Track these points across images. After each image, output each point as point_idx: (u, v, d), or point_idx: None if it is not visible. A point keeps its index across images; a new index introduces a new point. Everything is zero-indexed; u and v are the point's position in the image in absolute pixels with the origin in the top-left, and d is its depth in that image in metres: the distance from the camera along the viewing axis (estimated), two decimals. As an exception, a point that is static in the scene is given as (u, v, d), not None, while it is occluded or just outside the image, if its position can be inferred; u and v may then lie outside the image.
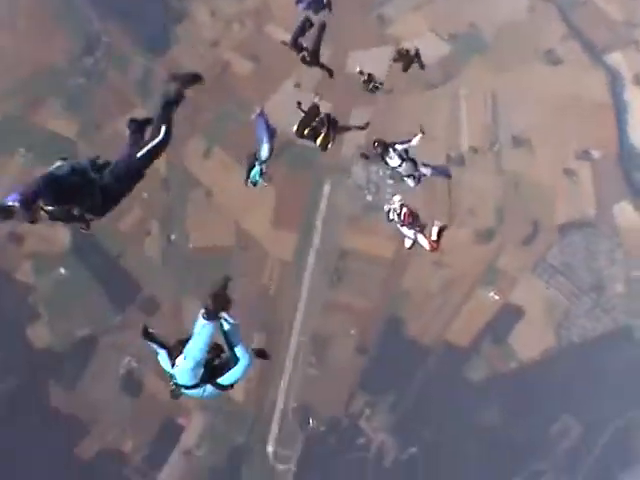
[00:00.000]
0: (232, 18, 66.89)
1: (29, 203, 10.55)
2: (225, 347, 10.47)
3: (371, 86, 28.20)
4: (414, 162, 24.22)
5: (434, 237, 25.27)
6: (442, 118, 66.82)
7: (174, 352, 10.43)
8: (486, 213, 65.02)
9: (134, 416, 61.78)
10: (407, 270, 63.12)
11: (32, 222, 11.16)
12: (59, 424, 60.65)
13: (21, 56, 65.84)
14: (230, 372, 10.32)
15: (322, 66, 25.42)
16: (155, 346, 10.86)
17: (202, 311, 10.20)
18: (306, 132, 22.51)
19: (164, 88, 12.14)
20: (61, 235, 62.93)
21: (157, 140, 12.49)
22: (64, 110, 63.97)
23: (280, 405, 62.35)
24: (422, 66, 30.52)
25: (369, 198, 64.15)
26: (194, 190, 63.76)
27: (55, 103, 64.22)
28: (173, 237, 63.06)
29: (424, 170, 24.82)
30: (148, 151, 11.98)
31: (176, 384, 10.38)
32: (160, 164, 63.96)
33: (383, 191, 64.32)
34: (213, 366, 10.32)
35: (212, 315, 10.15)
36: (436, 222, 25.84)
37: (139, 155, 11.95)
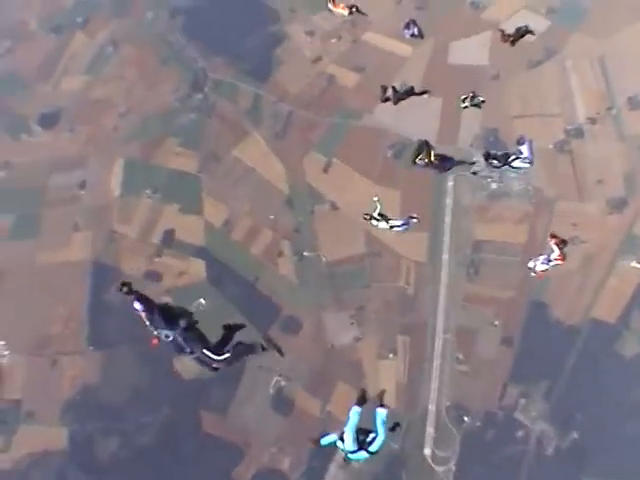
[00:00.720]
0: (329, 33, 79.45)
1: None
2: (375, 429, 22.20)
3: (476, 101, 41.45)
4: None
5: (557, 254, 38.05)
6: (553, 94, 75.30)
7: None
8: (615, 181, 72.64)
9: (288, 434, 71.84)
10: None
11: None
12: (215, 450, 71.70)
13: (133, 102, 78.19)
14: (374, 444, 21.95)
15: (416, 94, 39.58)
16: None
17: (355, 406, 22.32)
18: (417, 161, 36.68)
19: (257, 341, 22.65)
20: (196, 268, 75.02)
21: (219, 359, 21.54)
22: (182, 147, 77.40)
23: (433, 406, 71.02)
24: (533, 32, 43.37)
25: (494, 186, 73.50)
26: (319, 205, 75.08)
27: (172, 142, 77.55)
28: (306, 254, 73.97)
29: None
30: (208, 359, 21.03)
31: (347, 455, 21.96)
32: (282, 184, 78.71)
33: (506, 176, 76.65)
34: (365, 440, 21.86)
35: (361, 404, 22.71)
36: (550, 241, 38.55)
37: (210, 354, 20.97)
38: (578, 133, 75.52)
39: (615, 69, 77.17)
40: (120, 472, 73.19)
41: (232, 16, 79.48)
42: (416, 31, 42.92)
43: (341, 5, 42.15)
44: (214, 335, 61.42)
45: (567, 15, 79.80)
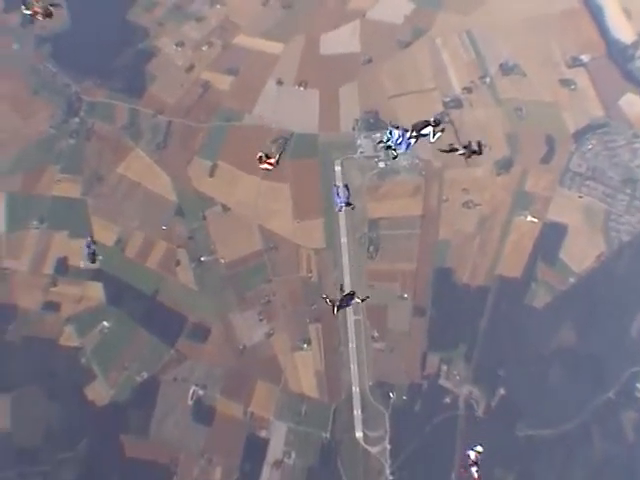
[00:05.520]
0: (199, 42, 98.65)
1: None
2: None
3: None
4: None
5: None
6: (427, 70, 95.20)
7: None
8: (499, 144, 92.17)
9: (215, 443, 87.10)
10: (440, 220, 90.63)
11: None
12: (142, 473, 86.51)
13: (8, 135, 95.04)
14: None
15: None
16: None
17: None
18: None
19: None
20: (94, 291, 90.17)
21: None
22: (64, 174, 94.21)
23: (356, 388, 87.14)
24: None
25: (381, 165, 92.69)
26: (210, 209, 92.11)
27: (53, 169, 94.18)
28: (203, 259, 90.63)
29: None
30: None
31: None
32: (170, 194, 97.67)
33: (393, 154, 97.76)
34: None
35: None
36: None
37: None
38: (456, 103, 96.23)
39: (483, 40, 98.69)
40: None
41: (100, 37, 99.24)
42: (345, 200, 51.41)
43: (267, 160, 47.11)
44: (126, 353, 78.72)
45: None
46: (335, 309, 45.63)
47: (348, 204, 48.76)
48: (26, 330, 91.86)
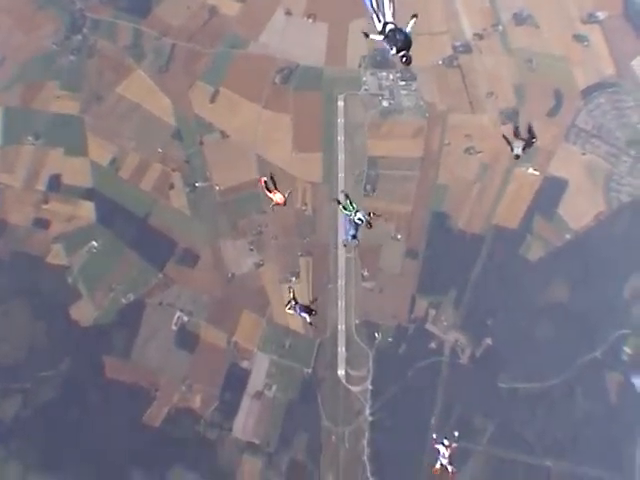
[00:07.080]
0: None
1: None
2: None
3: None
4: None
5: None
6: (439, 13, 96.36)
7: None
8: (505, 93, 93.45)
9: (196, 370, 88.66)
10: (440, 164, 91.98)
11: None
12: (122, 396, 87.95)
13: (10, 49, 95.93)
14: None
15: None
16: None
17: None
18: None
19: None
20: (86, 210, 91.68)
21: None
22: (63, 90, 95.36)
23: (342, 325, 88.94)
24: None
25: (385, 104, 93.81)
26: (208, 134, 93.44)
27: (52, 85, 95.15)
28: (198, 184, 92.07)
29: None
30: None
31: None
32: (169, 117, 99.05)
33: (397, 93, 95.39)
34: None
35: None
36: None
37: None
38: (466, 49, 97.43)
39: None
40: (26, 432, 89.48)
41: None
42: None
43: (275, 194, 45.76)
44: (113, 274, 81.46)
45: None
46: (287, 307, 48.24)
47: (354, 237, 49.16)
48: (14, 246, 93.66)
